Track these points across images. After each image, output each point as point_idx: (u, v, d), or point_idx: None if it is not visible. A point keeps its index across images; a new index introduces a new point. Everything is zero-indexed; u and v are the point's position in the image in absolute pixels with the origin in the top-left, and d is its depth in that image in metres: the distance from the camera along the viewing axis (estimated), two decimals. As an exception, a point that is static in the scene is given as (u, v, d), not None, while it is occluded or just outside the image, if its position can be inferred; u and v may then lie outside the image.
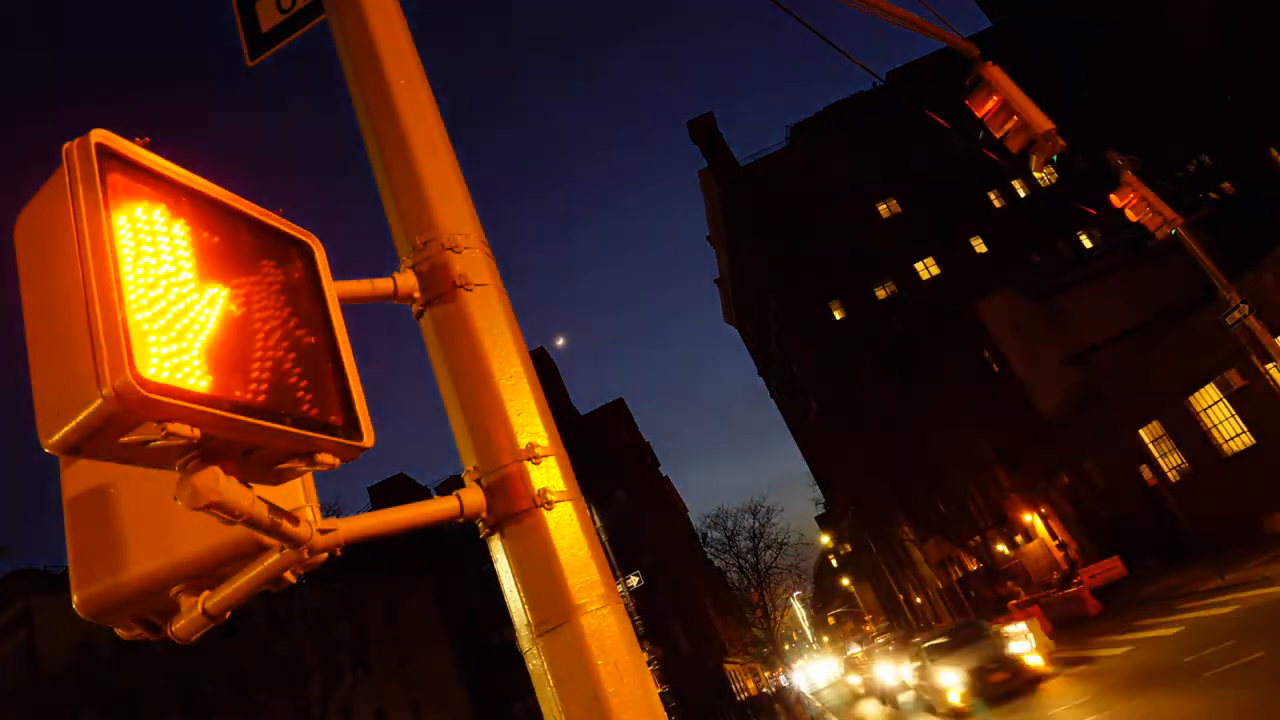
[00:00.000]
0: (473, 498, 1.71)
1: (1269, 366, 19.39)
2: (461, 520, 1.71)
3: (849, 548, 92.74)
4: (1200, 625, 15.38)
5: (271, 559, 1.40)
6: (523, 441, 1.76)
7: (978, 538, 42.38)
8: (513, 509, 1.71)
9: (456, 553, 57.68)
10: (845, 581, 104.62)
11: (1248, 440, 21.89)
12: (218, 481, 1.18)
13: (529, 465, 1.73)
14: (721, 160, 62.43)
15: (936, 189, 54.37)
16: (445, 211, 2.00)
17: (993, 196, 54.43)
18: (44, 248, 1.19)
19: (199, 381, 1.17)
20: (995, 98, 8.15)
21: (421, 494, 60.85)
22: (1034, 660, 17.81)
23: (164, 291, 1.20)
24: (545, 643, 1.62)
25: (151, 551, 1.45)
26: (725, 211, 66.03)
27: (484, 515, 1.72)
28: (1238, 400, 21.75)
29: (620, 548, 49.81)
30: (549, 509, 1.70)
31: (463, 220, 2.01)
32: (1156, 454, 26.29)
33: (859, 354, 52.23)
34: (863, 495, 60.09)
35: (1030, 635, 21.70)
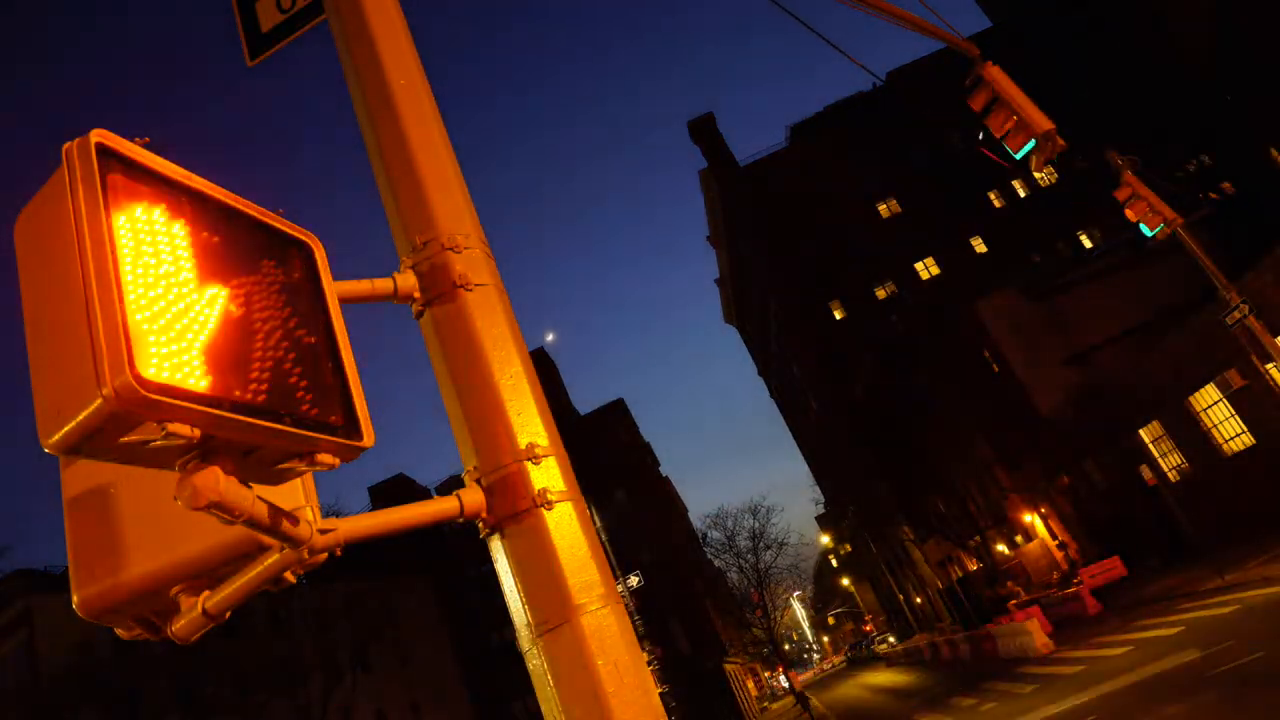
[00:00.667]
0: (473, 498, 1.71)
1: (1269, 366, 19.40)
2: (461, 520, 1.71)
3: (849, 548, 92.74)
4: (1200, 625, 15.39)
5: (271, 559, 1.40)
6: (523, 441, 1.76)
7: (978, 538, 42.38)
8: (513, 509, 1.71)
9: (456, 553, 57.69)
10: (845, 581, 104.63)
11: (1248, 440, 21.89)
12: (218, 481, 1.18)
13: (529, 465, 1.73)
14: (721, 160, 62.45)
15: (936, 189, 54.37)
16: (445, 211, 2.00)
17: (993, 196, 54.43)
18: (44, 248, 1.19)
19: (199, 381, 1.17)
20: (995, 98, 8.15)
21: (421, 494, 60.86)
22: None
23: (164, 291, 1.20)
24: (545, 643, 1.62)
25: (151, 551, 1.45)
26: (725, 211, 66.03)
27: (484, 515, 1.72)
28: (1238, 400, 21.75)
29: (620, 548, 49.81)
30: (549, 509, 1.70)
31: (463, 220, 2.02)
32: (1156, 454, 26.29)
33: (859, 354, 52.23)
34: (863, 495, 60.12)
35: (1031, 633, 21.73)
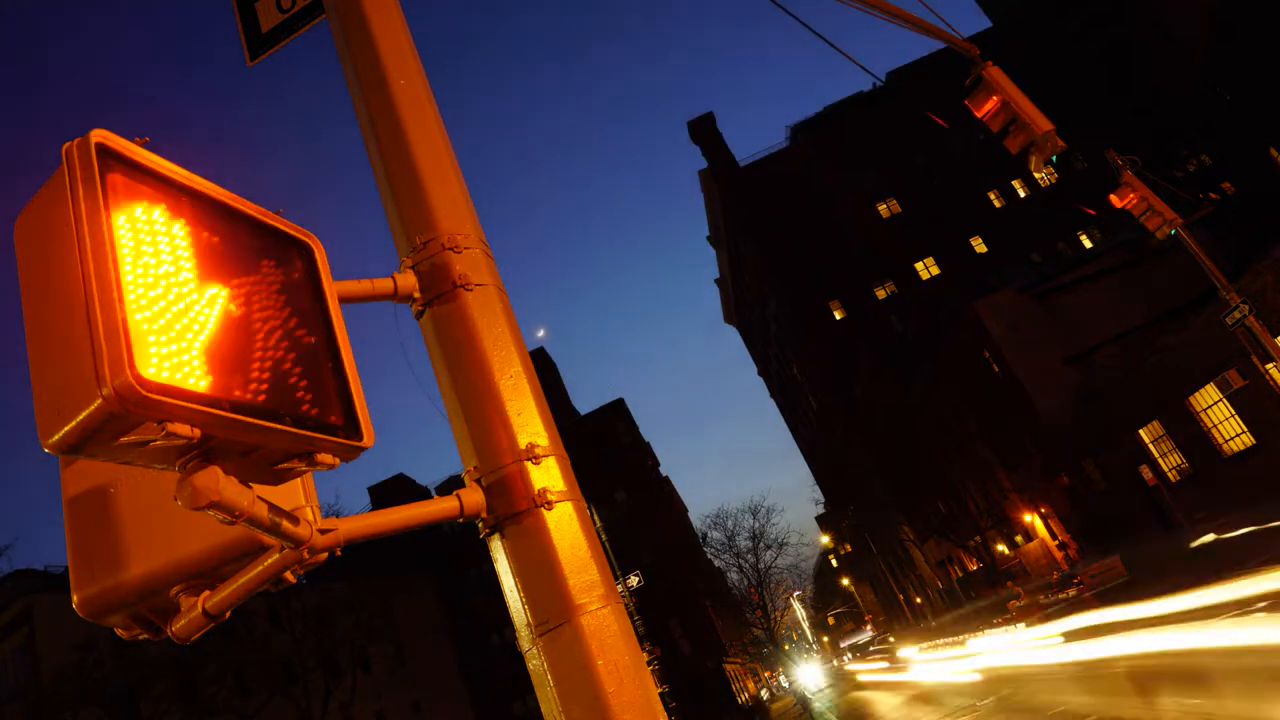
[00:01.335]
0: (473, 498, 1.71)
1: (1269, 366, 19.39)
2: (461, 520, 1.71)
3: (849, 548, 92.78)
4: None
5: (271, 559, 1.40)
6: (523, 441, 1.76)
7: (978, 538, 42.40)
8: (513, 509, 1.71)
9: (456, 553, 57.69)
10: (845, 581, 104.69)
11: (1248, 440, 21.89)
12: (218, 481, 1.18)
13: (529, 465, 1.73)
14: (721, 160, 62.48)
15: (936, 189, 54.39)
16: (445, 211, 2.00)
17: (993, 196, 54.44)
18: (44, 248, 1.19)
19: (199, 381, 1.17)
20: (995, 98, 8.15)
21: (421, 494, 60.88)
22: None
23: (164, 291, 1.20)
24: (545, 643, 1.62)
25: (151, 551, 1.45)
26: (725, 211, 66.06)
27: (484, 515, 1.72)
28: (1238, 400, 21.75)
29: (620, 548, 49.81)
30: (549, 509, 1.70)
31: (463, 220, 2.02)
32: (1156, 454, 26.29)
33: (859, 354, 52.23)
34: (863, 495, 60.11)
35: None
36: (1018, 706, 15.24)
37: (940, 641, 33.48)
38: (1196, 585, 16.38)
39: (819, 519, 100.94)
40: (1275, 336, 16.82)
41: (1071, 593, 25.64)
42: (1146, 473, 27.50)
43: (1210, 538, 20.54)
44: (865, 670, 46.72)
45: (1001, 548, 41.46)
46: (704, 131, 63.02)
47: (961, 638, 29.50)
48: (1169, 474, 25.99)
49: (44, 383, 1.12)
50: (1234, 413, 22.13)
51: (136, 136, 1.29)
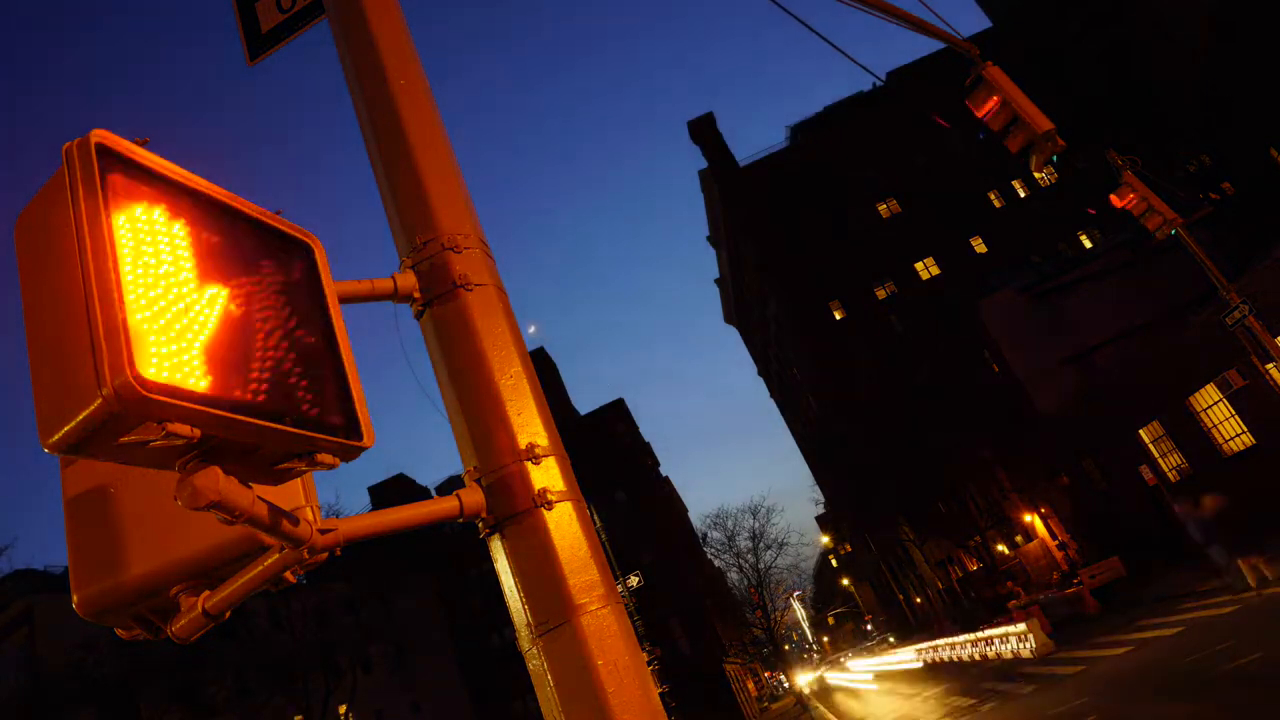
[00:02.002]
0: (473, 498, 1.71)
1: (1269, 366, 19.39)
2: (461, 520, 1.71)
3: (849, 548, 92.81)
4: (1200, 625, 15.38)
5: (272, 559, 1.40)
6: (523, 441, 1.76)
7: (978, 538, 42.39)
8: (513, 509, 1.71)
9: (456, 553, 57.66)
10: (845, 581, 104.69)
11: (1248, 440, 21.89)
12: (218, 481, 1.18)
13: (529, 465, 1.73)
14: (721, 160, 62.46)
15: (936, 189, 54.37)
16: (445, 211, 2.00)
17: (993, 196, 54.42)
18: (44, 248, 1.19)
19: (199, 381, 1.17)
20: (995, 98, 8.14)
21: (421, 494, 60.87)
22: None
23: (164, 291, 1.20)
24: (545, 643, 1.62)
25: (151, 551, 1.45)
26: (725, 211, 66.04)
27: (484, 515, 1.72)
28: (1238, 400, 21.75)
29: (620, 548, 49.78)
30: (549, 509, 1.70)
31: (463, 220, 2.01)
32: (1156, 454, 26.29)
33: (859, 354, 52.22)
34: (863, 495, 60.12)
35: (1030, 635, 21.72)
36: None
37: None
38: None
39: (819, 519, 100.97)
40: (1275, 336, 16.81)
41: (1071, 591, 25.65)
42: (1146, 473, 27.50)
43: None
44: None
45: (1001, 548, 41.44)
46: (704, 131, 63.00)
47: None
48: (1169, 474, 25.98)
49: (44, 383, 1.12)
50: (1234, 413, 22.12)
51: (136, 136, 1.29)
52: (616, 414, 64.44)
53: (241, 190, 1.42)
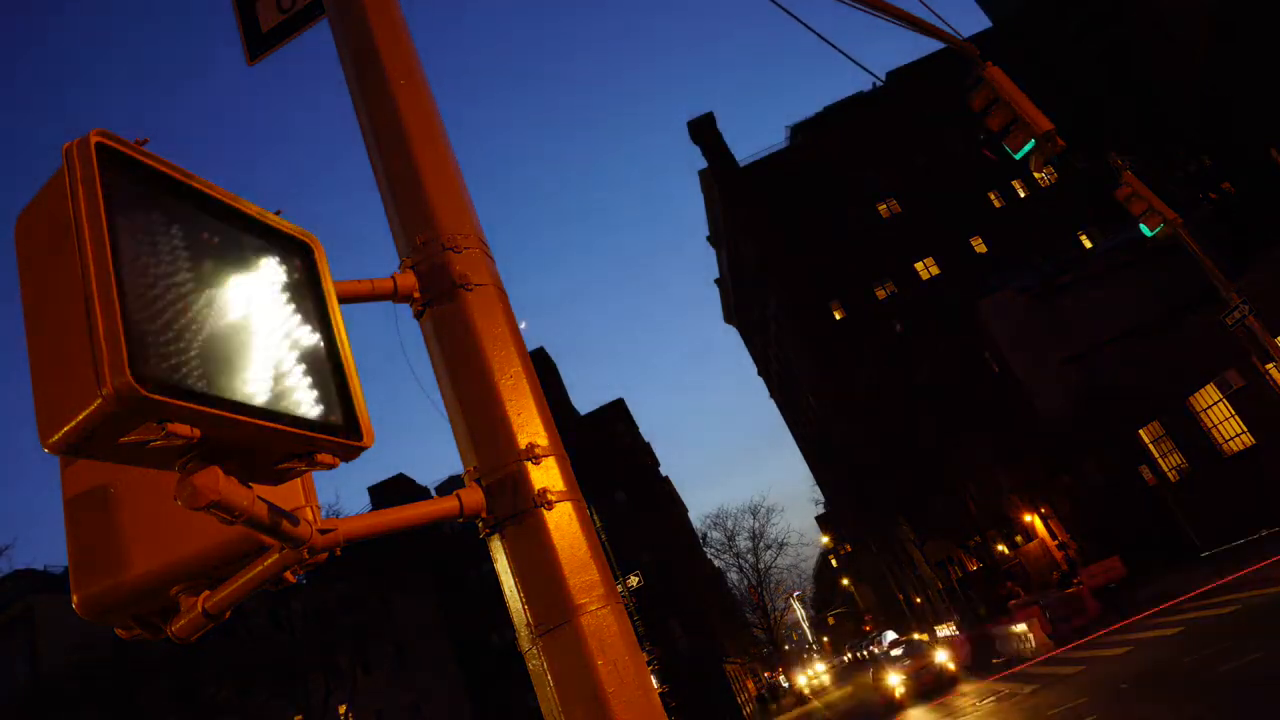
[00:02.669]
0: (473, 498, 1.71)
1: (1269, 366, 19.39)
2: (461, 520, 1.71)
3: (849, 548, 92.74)
4: (1200, 625, 15.38)
5: (271, 559, 1.40)
6: (523, 441, 1.76)
7: (978, 538, 42.39)
8: (513, 509, 1.71)
9: (456, 553, 57.65)
10: (845, 582, 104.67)
11: (1248, 440, 21.89)
12: (218, 481, 1.18)
13: (529, 465, 1.73)
14: (721, 160, 62.44)
15: (936, 189, 54.36)
16: (445, 211, 2.00)
17: (993, 196, 54.41)
18: (44, 248, 1.19)
19: (198, 382, 1.17)
20: (995, 98, 8.15)
21: (421, 494, 60.87)
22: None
23: (164, 291, 1.20)
24: (545, 643, 1.62)
25: (151, 551, 1.45)
26: (725, 211, 66.03)
27: (484, 515, 1.72)
28: (1238, 400, 21.75)
29: (620, 548, 49.78)
30: (549, 509, 1.70)
31: (463, 220, 2.01)
32: (1156, 454, 26.29)
33: (859, 354, 52.22)
34: (863, 495, 60.10)
35: (1030, 635, 21.70)
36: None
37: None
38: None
39: (819, 519, 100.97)
40: (1275, 336, 16.81)
41: (1071, 591, 25.63)
42: (1146, 473, 27.50)
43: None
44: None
45: (1001, 548, 41.43)
46: (704, 131, 62.98)
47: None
48: (1169, 474, 25.98)
49: (44, 383, 1.12)
50: (1234, 413, 22.13)
51: (136, 136, 1.29)
52: (616, 414, 64.42)
53: (241, 190, 1.42)
